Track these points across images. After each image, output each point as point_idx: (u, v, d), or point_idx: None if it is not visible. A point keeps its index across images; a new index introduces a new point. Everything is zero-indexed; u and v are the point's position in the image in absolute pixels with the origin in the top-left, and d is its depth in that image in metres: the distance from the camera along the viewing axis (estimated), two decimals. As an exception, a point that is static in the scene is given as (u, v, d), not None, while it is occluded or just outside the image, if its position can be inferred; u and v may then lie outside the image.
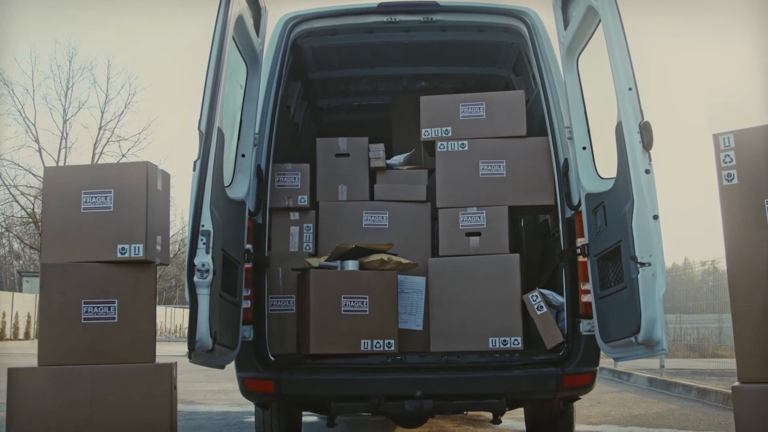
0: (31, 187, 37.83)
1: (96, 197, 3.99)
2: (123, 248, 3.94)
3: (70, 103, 37.92)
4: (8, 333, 31.93)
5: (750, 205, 3.72)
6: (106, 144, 38.78)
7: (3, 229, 40.81)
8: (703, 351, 16.91)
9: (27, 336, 33.02)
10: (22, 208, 37.92)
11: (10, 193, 37.20)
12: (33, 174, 37.64)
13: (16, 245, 48.51)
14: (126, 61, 74.34)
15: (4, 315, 31.77)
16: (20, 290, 39.80)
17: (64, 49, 47.89)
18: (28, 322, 33.53)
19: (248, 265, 4.35)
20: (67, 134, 37.73)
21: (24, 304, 33.72)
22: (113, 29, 62.93)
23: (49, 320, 3.91)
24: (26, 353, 20.98)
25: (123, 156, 38.02)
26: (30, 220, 38.20)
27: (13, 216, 39.22)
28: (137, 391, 3.84)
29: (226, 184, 4.19)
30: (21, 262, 52.93)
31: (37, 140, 37.52)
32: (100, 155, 38.15)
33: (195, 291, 3.53)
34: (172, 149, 67.43)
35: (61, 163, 36.97)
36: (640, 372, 11.98)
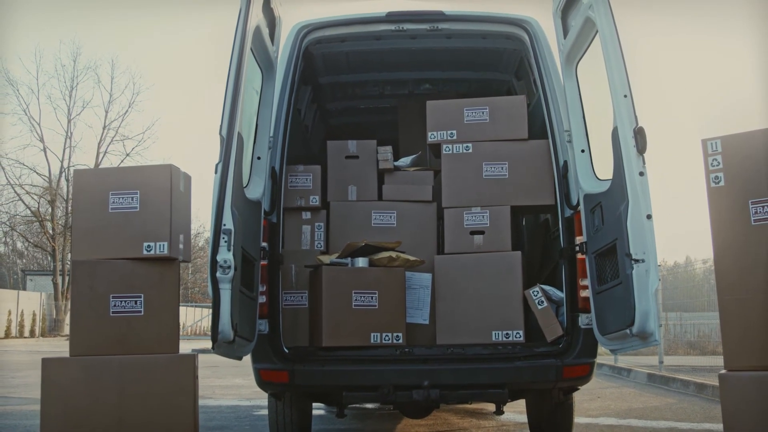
0: (35, 186, 38.06)
1: (123, 198, 4.20)
2: (148, 246, 4.14)
3: (75, 102, 38.23)
4: (14, 331, 32.09)
5: (736, 206, 3.88)
6: (110, 143, 39.04)
7: (8, 228, 40.98)
8: (703, 348, 16.96)
9: (32, 334, 33.17)
10: (27, 207, 38.12)
11: (15, 192, 37.42)
12: (38, 173, 37.93)
13: (20, 244, 48.68)
14: (130, 61, 74.53)
15: (9, 313, 31.91)
16: (24, 288, 40.00)
17: (69, 49, 48.19)
18: (33, 320, 33.67)
19: (263, 262, 4.52)
20: (71, 133, 38.01)
21: (29, 303, 33.83)
22: (117, 29, 63.11)
23: (80, 314, 4.12)
24: (32, 350, 21.18)
25: (127, 155, 38.27)
26: (34, 219, 38.38)
27: (17, 215, 39.43)
28: (162, 380, 4.04)
29: (243, 186, 4.39)
30: (24, 260, 53.09)
31: (41, 139, 37.81)
32: (104, 154, 38.41)
33: (218, 286, 3.72)
34: (175, 148, 67.65)
35: (65, 162, 37.21)
36: (640, 368, 12.11)
